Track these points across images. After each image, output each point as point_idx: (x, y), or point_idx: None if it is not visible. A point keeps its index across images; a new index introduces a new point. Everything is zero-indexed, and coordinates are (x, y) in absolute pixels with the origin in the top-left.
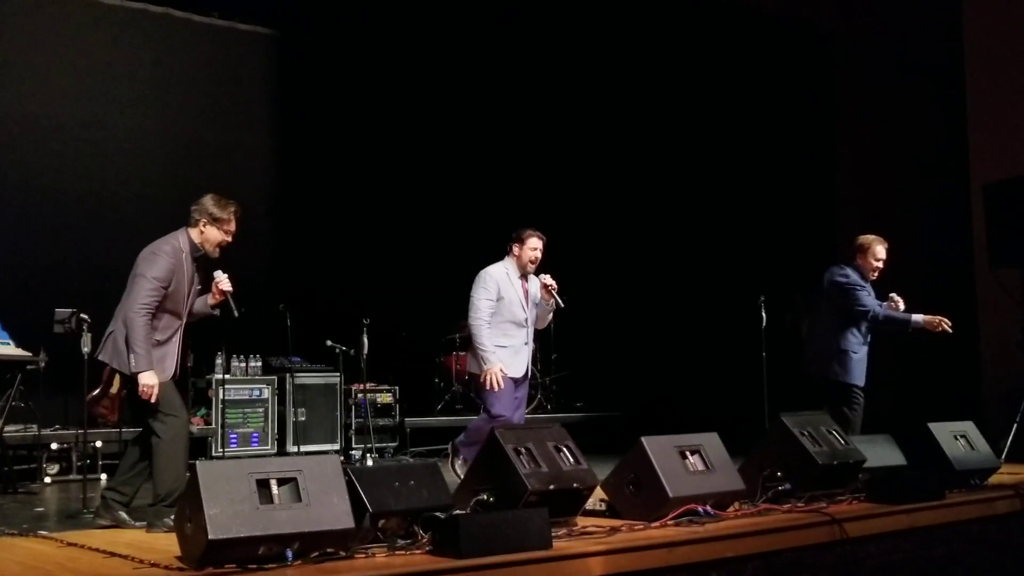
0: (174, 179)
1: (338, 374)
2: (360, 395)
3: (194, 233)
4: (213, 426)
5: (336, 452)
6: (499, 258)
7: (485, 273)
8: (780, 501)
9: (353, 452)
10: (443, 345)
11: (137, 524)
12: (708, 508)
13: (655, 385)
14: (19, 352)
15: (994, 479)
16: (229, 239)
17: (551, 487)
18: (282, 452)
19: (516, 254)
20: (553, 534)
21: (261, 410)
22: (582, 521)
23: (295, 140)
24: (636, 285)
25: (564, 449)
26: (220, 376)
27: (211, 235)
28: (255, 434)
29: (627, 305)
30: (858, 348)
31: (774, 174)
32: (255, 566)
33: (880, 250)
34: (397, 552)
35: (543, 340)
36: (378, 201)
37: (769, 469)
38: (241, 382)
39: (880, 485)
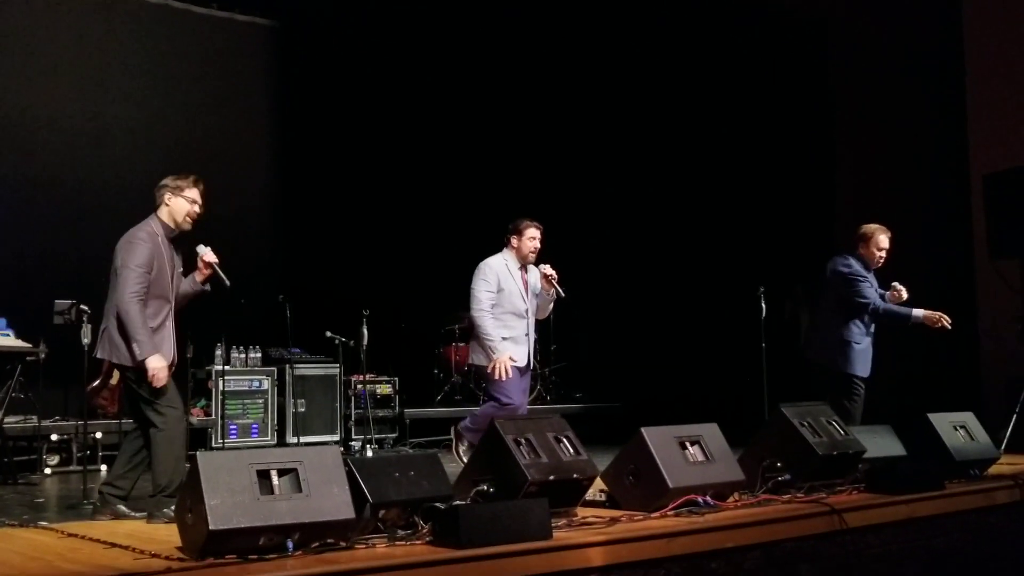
0: (173, 171)
1: (338, 365)
2: (360, 386)
3: (163, 213)
4: (213, 417)
5: (336, 443)
6: (498, 249)
7: (485, 265)
8: (780, 491)
9: (353, 443)
10: (442, 336)
11: (136, 515)
12: (708, 499)
13: (655, 376)
14: (19, 343)
15: (994, 469)
16: (197, 208)
17: (551, 478)
18: (282, 443)
19: (515, 246)
20: (553, 524)
21: (261, 401)
22: (582, 512)
23: (294, 131)
24: (636, 276)
25: (564, 440)
26: (220, 367)
27: (177, 207)
28: (255, 425)
29: (627, 296)
30: (861, 339)
31: (773, 165)
32: (256, 556)
33: (883, 239)
34: (397, 542)
35: (543, 331)
36: (377, 192)
37: (769, 460)
38: (241, 373)
39: (880, 475)
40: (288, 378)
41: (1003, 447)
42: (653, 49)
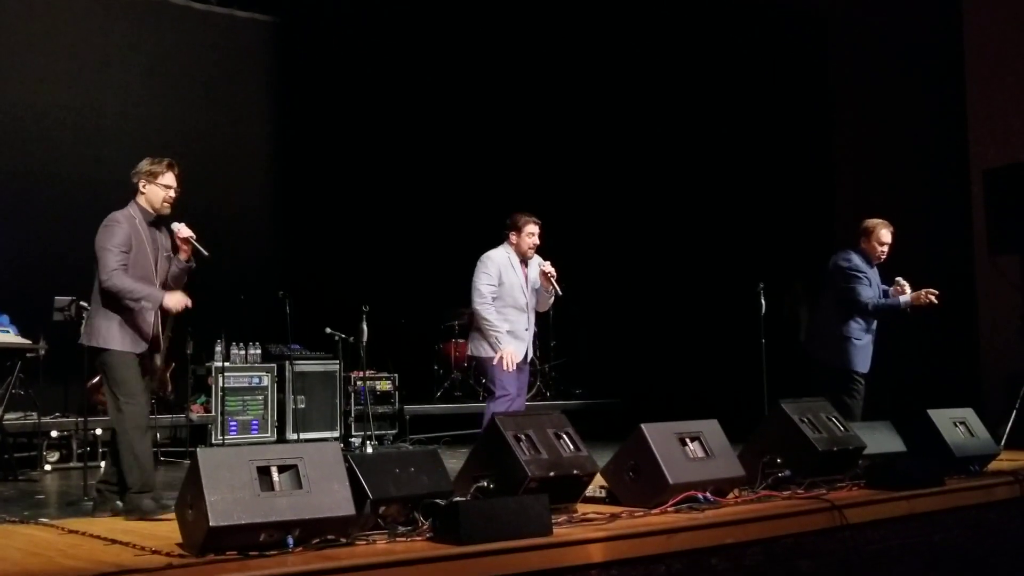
0: None
1: (337, 361)
2: (359, 382)
3: (140, 199)
4: (213, 414)
5: (336, 439)
6: (498, 245)
7: (486, 258)
8: (780, 488)
9: (353, 439)
10: (442, 332)
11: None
12: (708, 495)
13: (655, 372)
14: (19, 340)
15: (993, 465)
16: (171, 192)
17: (551, 474)
18: (281, 440)
19: (514, 242)
20: (553, 520)
21: (261, 398)
22: (582, 508)
23: (294, 127)
24: (635, 272)
25: (564, 436)
26: (220, 364)
27: (152, 193)
28: (255, 422)
29: (626, 292)
30: (861, 335)
31: (772, 161)
32: (256, 553)
33: (885, 234)
34: (398, 539)
35: (542, 327)
36: (377, 188)
37: (769, 456)
38: (241, 370)
39: (880, 471)
40: (288, 374)
41: (1003, 443)
42: (654, 47)
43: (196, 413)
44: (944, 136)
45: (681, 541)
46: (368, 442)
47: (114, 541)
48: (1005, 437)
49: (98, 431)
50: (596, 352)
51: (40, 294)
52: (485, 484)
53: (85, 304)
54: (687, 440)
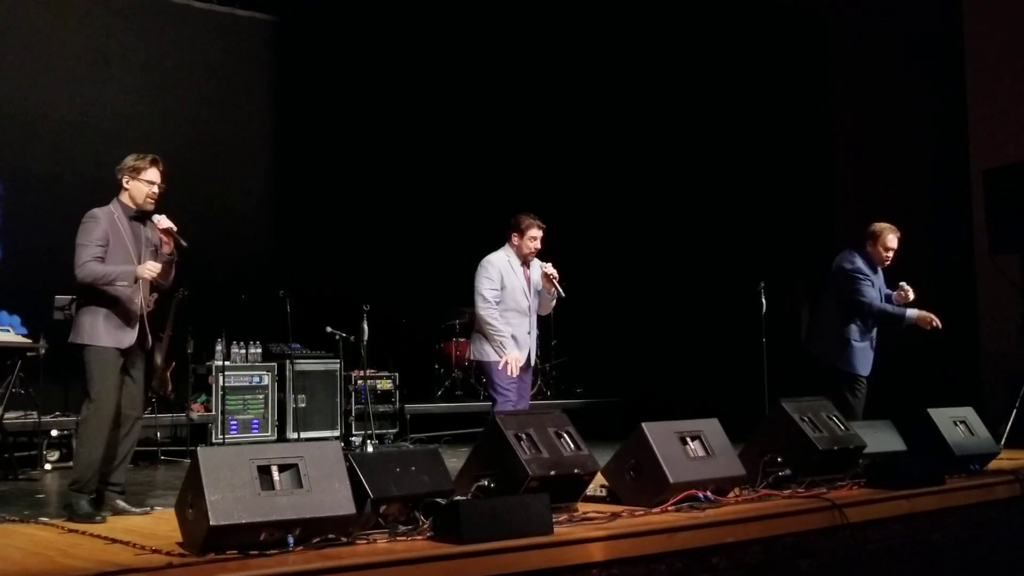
0: (173, 166)
1: (338, 360)
2: (360, 381)
3: (123, 195)
4: (213, 413)
5: (336, 439)
6: (499, 244)
7: (487, 262)
8: (780, 487)
9: (353, 439)
10: (443, 331)
11: (135, 510)
12: (708, 494)
13: (655, 371)
14: (19, 339)
15: (993, 464)
16: (155, 188)
17: (552, 473)
18: (282, 439)
19: (516, 244)
20: (554, 520)
21: (261, 397)
22: (583, 507)
23: (295, 127)
24: (636, 271)
25: (565, 435)
26: (220, 363)
27: (135, 189)
28: (255, 421)
29: (627, 291)
30: (860, 338)
31: (773, 161)
32: (257, 552)
33: (891, 239)
34: (398, 538)
35: (543, 326)
36: (378, 187)
37: (769, 455)
38: (241, 369)
39: (880, 470)
40: (288, 373)
41: (1003, 442)
42: (654, 46)
43: (196, 412)
44: (944, 136)
45: (682, 540)
46: (369, 441)
47: (114, 540)
48: (1005, 436)
49: None
50: (597, 351)
51: (40, 293)
52: (486, 483)
53: None
54: (688, 439)
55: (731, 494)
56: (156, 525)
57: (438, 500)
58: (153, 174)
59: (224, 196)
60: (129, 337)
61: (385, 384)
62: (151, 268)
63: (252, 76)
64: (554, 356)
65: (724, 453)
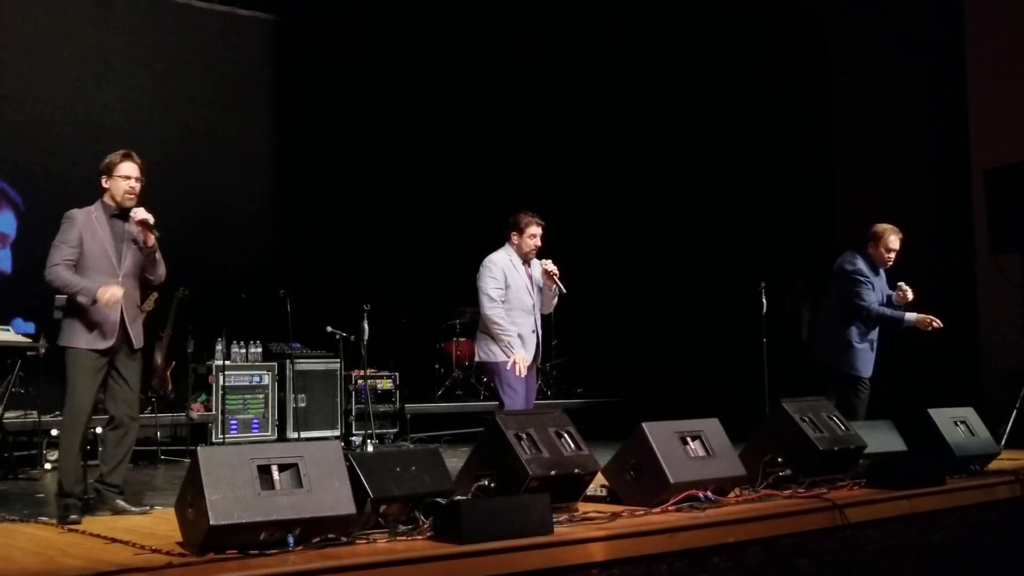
0: (173, 165)
1: (338, 360)
2: (360, 381)
3: (105, 196)
4: (213, 412)
5: (336, 438)
6: (499, 244)
7: (489, 262)
8: (781, 487)
9: (353, 438)
10: (443, 331)
11: (135, 509)
12: (709, 494)
13: (656, 371)
14: (19, 338)
15: (994, 465)
16: (132, 182)
17: (552, 473)
18: (282, 438)
19: (516, 243)
20: (554, 520)
21: (261, 396)
22: (583, 507)
23: (295, 126)
24: (637, 271)
25: (565, 435)
26: (220, 362)
27: (114, 186)
28: (255, 420)
29: (628, 291)
30: (861, 339)
31: (774, 160)
32: (257, 552)
33: (894, 240)
34: (398, 537)
35: (544, 326)
36: (378, 187)
37: (770, 455)
38: (241, 368)
39: (880, 471)
40: (289, 373)
41: (1003, 442)
42: (655, 45)
43: (196, 412)
44: (944, 136)
45: (682, 540)
46: (369, 441)
47: (114, 540)
48: (1006, 436)
49: (98, 430)
50: (597, 351)
51: (40, 293)
52: (486, 483)
53: None
54: (688, 439)
55: (731, 494)
56: (156, 525)
57: (438, 500)
58: (128, 168)
59: (224, 196)
60: (106, 340)
61: (385, 384)
62: (112, 295)
63: (252, 76)
64: (555, 356)
65: (724, 453)
